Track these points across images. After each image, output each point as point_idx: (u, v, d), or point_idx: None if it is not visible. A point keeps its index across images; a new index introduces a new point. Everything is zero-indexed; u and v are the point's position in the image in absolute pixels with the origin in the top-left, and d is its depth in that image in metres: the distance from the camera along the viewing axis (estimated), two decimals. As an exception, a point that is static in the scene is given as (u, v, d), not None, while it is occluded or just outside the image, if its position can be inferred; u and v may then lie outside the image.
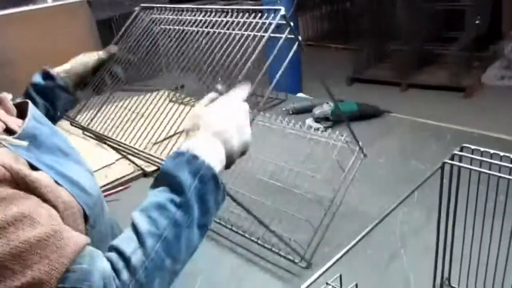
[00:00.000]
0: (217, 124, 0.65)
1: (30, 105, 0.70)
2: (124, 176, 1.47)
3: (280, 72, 0.87)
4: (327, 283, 0.74)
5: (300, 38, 0.85)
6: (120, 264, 0.54)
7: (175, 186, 0.59)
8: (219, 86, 0.72)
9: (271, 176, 1.15)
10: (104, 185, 1.41)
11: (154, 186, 0.61)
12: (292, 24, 0.82)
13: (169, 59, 1.01)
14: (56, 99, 0.94)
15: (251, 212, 0.91)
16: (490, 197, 0.74)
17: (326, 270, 0.95)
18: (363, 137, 1.59)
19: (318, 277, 0.93)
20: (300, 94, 2.24)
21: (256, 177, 1.19)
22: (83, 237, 0.56)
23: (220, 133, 0.64)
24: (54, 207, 0.57)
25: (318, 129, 1.65)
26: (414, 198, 1.18)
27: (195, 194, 0.59)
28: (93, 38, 2.29)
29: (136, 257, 0.54)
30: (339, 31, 6.01)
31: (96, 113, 1.04)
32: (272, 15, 0.83)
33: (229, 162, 0.66)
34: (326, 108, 1.67)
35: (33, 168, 0.59)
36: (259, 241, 1.08)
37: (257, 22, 0.89)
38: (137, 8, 1.12)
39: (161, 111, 0.92)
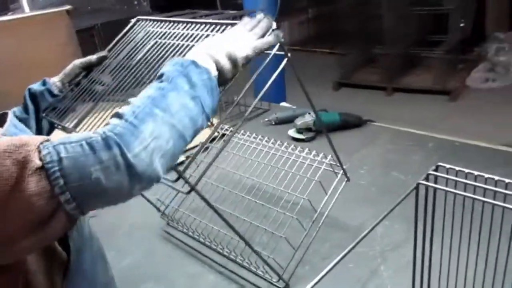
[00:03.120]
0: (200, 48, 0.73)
1: (10, 114, 0.78)
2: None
3: (266, 86, 0.86)
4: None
5: (289, 55, 0.85)
6: (110, 120, 0.58)
7: (157, 77, 0.66)
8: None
9: (253, 194, 1.13)
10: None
11: None
12: (283, 40, 0.81)
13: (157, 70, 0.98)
14: (43, 102, 0.97)
15: (232, 226, 0.89)
16: (467, 214, 0.73)
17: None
18: (345, 147, 1.59)
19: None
20: (283, 103, 2.22)
21: (237, 194, 1.17)
22: None
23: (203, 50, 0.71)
24: None
25: (301, 139, 1.65)
26: (394, 211, 1.17)
27: (177, 74, 0.65)
28: (73, 47, 2.26)
29: (125, 109, 0.58)
30: (325, 35, 6.02)
31: (82, 120, 1.00)
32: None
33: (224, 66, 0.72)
34: (308, 118, 1.65)
35: None
36: (237, 259, 1.06)
37: None
38: (133, 20, 1.11)
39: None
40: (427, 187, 0.73)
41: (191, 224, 1.17)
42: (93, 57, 1.03)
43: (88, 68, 1.03)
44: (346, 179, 1.18)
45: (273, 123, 1.83)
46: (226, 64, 0.71)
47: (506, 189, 0.68)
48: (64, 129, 0.93)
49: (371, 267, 1.03)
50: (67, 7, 2.29)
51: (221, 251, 1.11)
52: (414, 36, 4.43)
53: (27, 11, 2.56)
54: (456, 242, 0.78)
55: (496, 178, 0.69)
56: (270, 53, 0.83)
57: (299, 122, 1.65)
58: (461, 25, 4.31)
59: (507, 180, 0.68)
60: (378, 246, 1.09)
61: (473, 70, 4.47)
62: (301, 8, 6.59)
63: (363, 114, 1.80)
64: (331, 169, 1.14)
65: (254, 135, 1.32)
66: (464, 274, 0.79)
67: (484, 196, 0.69)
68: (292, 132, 1.69)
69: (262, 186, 1.16)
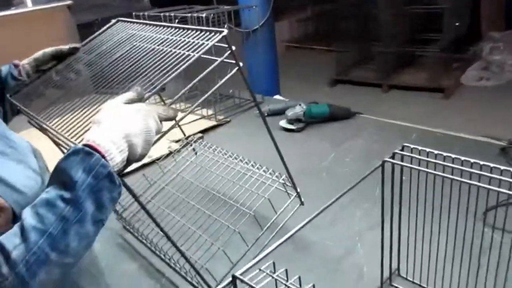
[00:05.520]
0: (130, 126, 0.65)
1: None
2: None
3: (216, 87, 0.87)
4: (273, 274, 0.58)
5: (241, 64, 0.86)
6: (0, 259, 0.54)
7: (66, 183, 0.58)
8: (138, 88, 0.72)
9: (204, 207, 1.14)
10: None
11: (49, 183, 0.61)
12: (233, 48, 0.82)
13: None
14: (8, 84, 0.98)
15: (163, 229, 0.86)
16: (434, 191, 0.80)
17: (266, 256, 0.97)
18: (333, 138, 1.66)
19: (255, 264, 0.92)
20: (277, 96, 2.29)
21: (189, 203, 1.18)
22: None
23: (130, 135, 0.64)
24: None
25: (292, 129, 1.72)
26: (376, 194, 1.24)
27: (88, 191, 0.58)
28: (73, 41, 2.31)
29: (17, 252, 0.54)
30: (323, 33, 6.08)
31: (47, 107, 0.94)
32: (215, 35, 0.81)
33: (129, 163, 0.66)
34: (298, 110, 1.72)
35: None
36: (176, 266, 1.05)
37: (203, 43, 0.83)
38: (113, 20, 1.12)
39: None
40: (393, 164, 0.80)
41: (144, 230, 1.14)
42: (64, 47, 1.03)
43: (58, 58, 1.03)
44: (300, 203, 1.15)
45: (265, 114, 1.90)
46: (137, 157, 0.66)
47: (462, 165, 0.75)
48: (27, 113, 0.92)
49: (348, 246, 1.09)
50: (68, 2, 2.36)
51: (163, 257, 1.09)
52: (410, 35, 4.50)
53: (30, 6, 2.63)
54: (421, 217, 0.85)
55: (453, 156, 0.76)
56: (217, 59, 0.82)
57: (289, 113, 1.72)
58: (456, 24, 4.37)
59: (462, 158, 0.75)
60: (357, 227, 1.16)
61: (467, 68, 4.53)
62: (300, 6, 6.65)
63: (358, 110, 1.87)
64: (284, 189, 1.12)
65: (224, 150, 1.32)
66: (428, 244, 0.86)
67: (443, 173, 0.76)
68: (283, 123, 1.76)
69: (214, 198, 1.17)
